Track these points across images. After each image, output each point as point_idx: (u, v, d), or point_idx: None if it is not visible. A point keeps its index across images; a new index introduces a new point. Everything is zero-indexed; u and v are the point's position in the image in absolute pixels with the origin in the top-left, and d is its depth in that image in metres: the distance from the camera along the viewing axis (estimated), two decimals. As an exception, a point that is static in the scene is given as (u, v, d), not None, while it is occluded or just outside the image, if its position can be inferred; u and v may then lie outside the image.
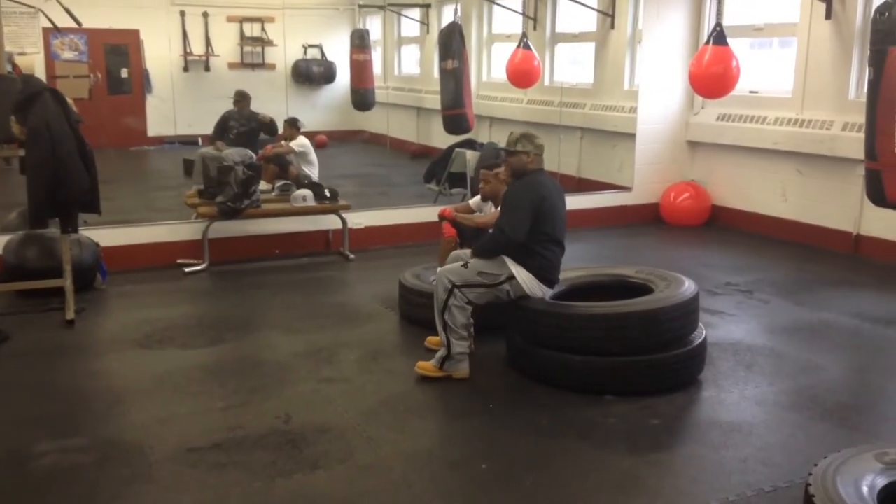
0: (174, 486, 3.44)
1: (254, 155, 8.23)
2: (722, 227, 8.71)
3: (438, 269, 5.44)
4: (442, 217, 5.44)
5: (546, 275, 4.57)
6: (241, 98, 9.27)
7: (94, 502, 3.31)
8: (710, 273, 6.83)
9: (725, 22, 8.34)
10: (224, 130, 9.08)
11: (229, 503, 3.30)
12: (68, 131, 5.34)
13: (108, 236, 6.63)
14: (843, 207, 7.51)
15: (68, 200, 5.40)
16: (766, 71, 8.64)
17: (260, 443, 3.79)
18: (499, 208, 5.38)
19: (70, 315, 5.50)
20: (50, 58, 13.20)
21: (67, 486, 3.43)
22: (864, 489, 2.92)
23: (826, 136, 7.52)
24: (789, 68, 8.02)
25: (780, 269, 7.05)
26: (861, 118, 6.01)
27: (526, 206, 4.49)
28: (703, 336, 4.60)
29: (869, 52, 5.67)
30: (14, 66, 8.16)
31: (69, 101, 5.54)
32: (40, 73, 11.59)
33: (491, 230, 4.80)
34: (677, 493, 3.40)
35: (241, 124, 9.10)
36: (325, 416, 4.11)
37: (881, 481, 2.98)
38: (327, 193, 7.31)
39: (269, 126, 9.11)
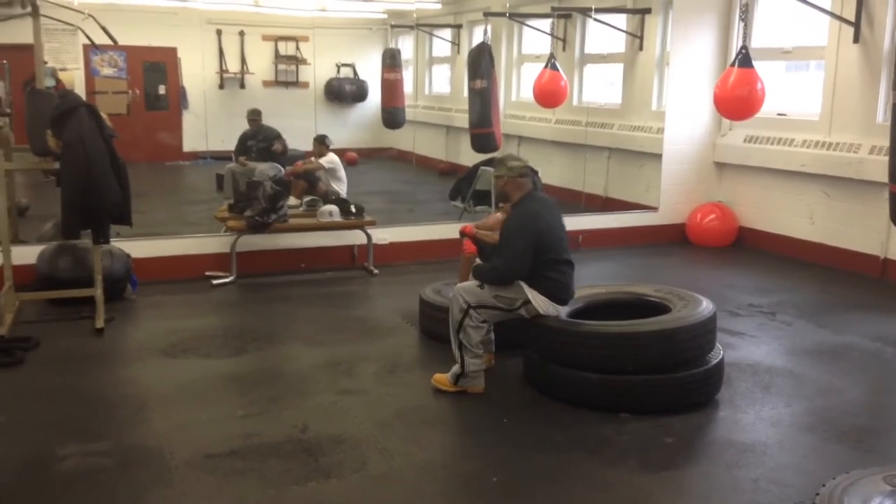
0: (192, 490, 3.53)
1: (282, 169, 8.39)
2: (748, 248, 8.68)
3: (457, 285, 5.53)
4: (462, 234, 5.51)
5: (559, 294, 4.60)
6: (256, 116, 9.75)
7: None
8: (733, 294, 6.81)
9: (755, 44, 8.40)
10: (245, 150, 9.45)
11: (244, 509, 3.38)
12: (102, 146, 5.50)
13: (139, 248, 6.79)
14: (871, 231, 7.46)
15: (100, 212, 5.55)
16: (796, 93, 8.63)
17: (276, 451, 3.87)
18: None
19: (99, 324, 5.64)
20: (90, 73, 13.56)
21: (88, 488, 3.53)
22: (872, 511, 2.92)
23: (854, 160, 7.49)
24: (818, 91, 8.01)
25: (805, 291, 7.02)
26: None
27: (522, 243, 4.49)
28: (721, 356, 4.61)
29: (894, 76, 5.66)
30: (57, 80, 8.40)
31: (103, 116, 5.72)
32: (80, 88, 11.90)
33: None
34: (686, 511, 3.42)
35: (259, 141, 9.51)
36: (342, 426, 4.19)
37: (889, 503, 2.98)
38: (353, 209, 7.42)
39: (282, 153, 9.57)
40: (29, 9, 6.20)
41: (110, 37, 6.07)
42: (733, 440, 4.09)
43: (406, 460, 3.83)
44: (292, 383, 4.80)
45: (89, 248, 5.91)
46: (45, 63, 9.91)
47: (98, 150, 5.45)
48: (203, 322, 5.96)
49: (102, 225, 5.66)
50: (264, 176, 7.40)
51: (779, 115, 8.43)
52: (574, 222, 8.68)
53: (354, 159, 12.75)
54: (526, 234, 4.52)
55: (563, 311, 4.64)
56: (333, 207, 7.44)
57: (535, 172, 7.04)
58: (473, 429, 4.26)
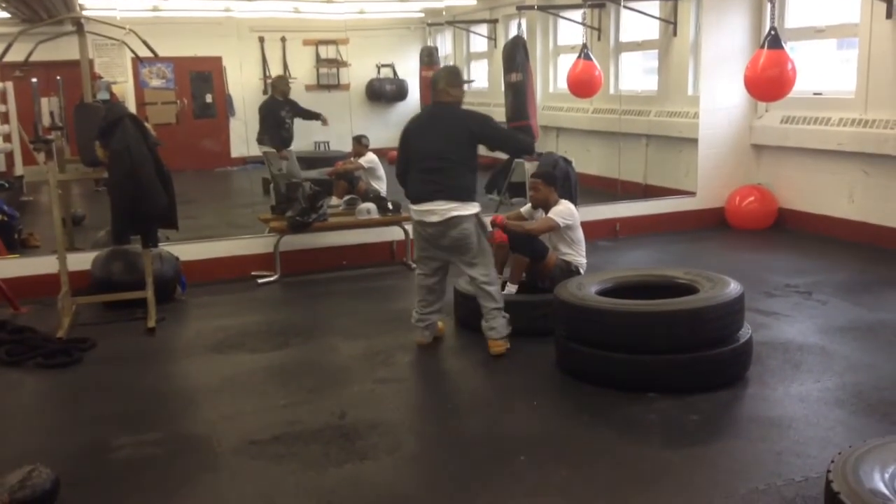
0: (237, 474, 3.75)
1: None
2: (788, 230, 8.65)
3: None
4: (494, 224, 5.66)
5: (411, 197, 5.18)
6: (284, 83, 10.24)
7: (164, 488, 3.63)
8: (770, 276, 6.83)
9: (787, 24, 8.37)
10: (277, 126, 9.65)
11: (285, 490, 3.58)
12: (147, 154, 5.78)
13: (187, 251, 7.08)
14: (911, 207, 7.40)
15: (147, 217, 5.83)
16: (833, 72, 8.56)
17: (315, 436, 4.07)
18: (547, 214, 5.59)
19: (151, 324, 5.92)
20: (139, 86, 14.02)
21: (141, 474, 3.78)
22: (886, 476, 2.97)
23: (891, 136, 7.43)
24: (852, 69, 7.95)
25: (843, 270, 7.00)
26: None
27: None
28: (749, 335, 4.67)
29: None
30: (112, 94, 8.77)
31: (147, 125, 6.01)
32: (130, 100, 12.35)
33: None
34: (708, 483, 3.52)
35: (288, 113, 9.80)
36: (378, 412, 4.38)
37: (904, 470, 3.04)
38: (390, 206, 7.61)
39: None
40: (75, 27, 6.50)
41: (151, 50, 6.34)
42: (759, 416, 4.17)
43: (438, 442, 4.00)
44: (332, 374, 5.01)
45: (140, 253, 6.20)
46: (100, 77, 10.37)
47: (143, 157, 5.72)
48: (248, 319, 6.21)
49: (150, 229, 5.95)
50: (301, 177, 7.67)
51: (815, 94, 8.37)
52: (611, 210, 8.80)
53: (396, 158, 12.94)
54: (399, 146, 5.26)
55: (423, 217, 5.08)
56: (371, 205, 7.64)
57: (569, 163, 7.18)
58: (504, 411, 4.40)
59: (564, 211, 5.58)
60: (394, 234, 7.74)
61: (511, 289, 5.58)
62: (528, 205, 5.92)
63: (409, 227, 7.64)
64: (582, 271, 5.61)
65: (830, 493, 2.88)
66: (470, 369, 5.12)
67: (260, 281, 7.20)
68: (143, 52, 7.03)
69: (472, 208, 5.09)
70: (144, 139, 5.79)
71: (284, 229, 7.22)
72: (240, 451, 3.96)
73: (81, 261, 6.62)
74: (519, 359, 5.04)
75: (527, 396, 4.53)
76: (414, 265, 7.58)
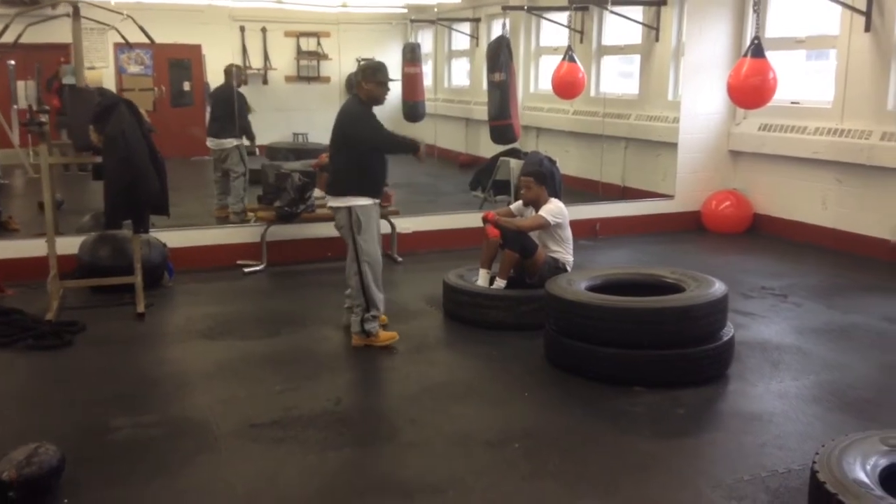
0: (238, 456, 3.83)
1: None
2: (763, 234, 8.88)
3: (480, 269, 5.82)
4: (485, 220, 5.78)
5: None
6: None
7: (167, 468, 3.70)
8: (746, 278, 7.03)
9: (768, 34, 8.58)
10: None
11: (287, 471, 3.67)
12: (141, 139, 5.80)
13: (174, 238, 7.11)
14: (882, 216, 7.64)
15: (140, 203, 5.85)
16: (811, 82, 8.81)
17: (313, 421, 4.16)
18: (538, 212, 5.72)
19: (141, 309, 5.95)
20: (118, 71, 13.91)
21: (143, 455, 3.83)
22: (868, 467, 3.14)
23: (865, 146, 7.67)
24: (830, 79, 8.19)
25: (817, 275, 7.22)
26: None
27: None
28: (732, 334, 4.84)
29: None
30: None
31: (142, 112, 6.03)
32: (109, 86, 12.25)
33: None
34: (695, 473, 3.67)
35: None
36: (372, 400, 4.48)
37: (884, 462, 3.19)
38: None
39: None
40: (66, 9, 6.50)
41: (148, 36, 6.36)
42: (742, 410, 4.34)
43: (434, 429, 4.11)
44: (325, 362, 5.09)
45: (128, 238, 6.22)
46: (63, 62, 10.23)
47: (138, 143, 5.75)
48: (237, 307, 6.26)
49: (142, 215, 5.96)
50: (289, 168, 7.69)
51: (792, 103, 8.61)
52: (591, 211, 8.96)
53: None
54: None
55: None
56: (359, 198, 7.70)
57: (554, 163, 7.31)
58: (496, 402, 4.51)
59: (555, 209, 5.72)
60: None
61: (500, 283, 5.70)
62: (518, 202, 6.04)
63: (395, 220, 7.75)
64: (569, 268, 5.75)
65: (816, 483, 3.03)
66: (460, 360, 5.24)
67: (246, 270, 7.24)
68: (134, 39, 7.05)
69: (345, 201, 5.22)
70: (139, 125, 5.81)
71: (272, 219, 7.27)
72: (239, 434, 4.03)
73: (66, 245, 6.60)
74: (508, 352, 5.17)
75: (517, 387, 4.66)
76: (399, 258, 7.69)
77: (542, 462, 3.75)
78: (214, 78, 14.04)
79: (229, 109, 9.41)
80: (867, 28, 7.64)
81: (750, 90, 7.38)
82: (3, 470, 3.32)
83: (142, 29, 6.46)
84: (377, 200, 5.36)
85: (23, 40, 7.04)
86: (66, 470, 3.51)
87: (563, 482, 3.58)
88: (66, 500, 3.40)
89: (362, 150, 5.27)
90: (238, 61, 14.13)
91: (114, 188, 5.70)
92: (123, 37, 7.00)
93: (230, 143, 9.24)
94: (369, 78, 5.30)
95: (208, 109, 9.72)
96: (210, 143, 9.47)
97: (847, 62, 7.91)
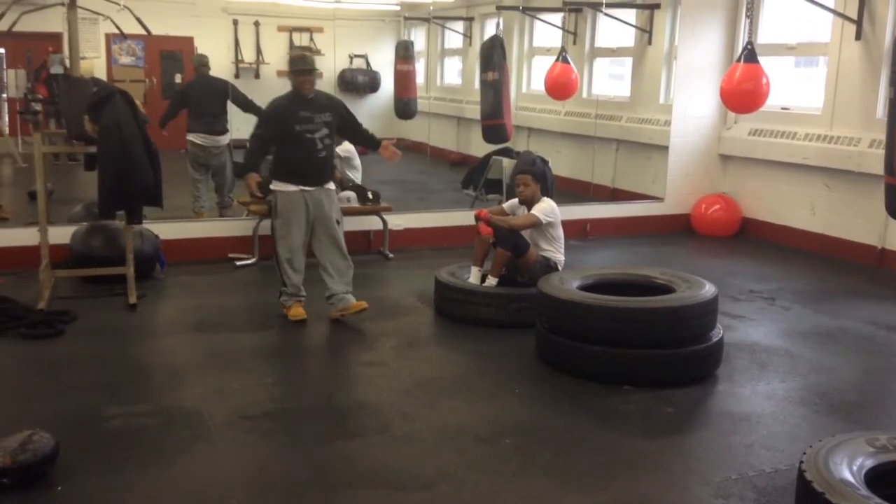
0: (231, 446, 3.85)
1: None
2: (752, 238, 8.96)
3: (472, 267, 5.86)
4: (478, 218, 5.82)
5: None
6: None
7: (162, 457, 3.71)
8: (735, 280, 7.10)
9: (760, 40, 8.65)
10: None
11: (280, 462, 3.69)
12: (136, 131, 5.80)
13: (166, 230, 7.10)
14: (869, 222, 7.73)
15: (134, 194, 5.86)
16: (801, 88, 8.89)
17: (306, 414, 4.19)
18: (531, 211, 5.76)
19: (132, 299, 5.95)
20: (110, 62, 13.85)
21: (137, 443, 3.85)
22: (854, 468, 3.20)
23: (854, 153, 7.76)
24: (820, 86, 8.27)
25: (804, 279, 7.30)
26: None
27: None
28: (721, 335, 4.90)
29: (890, 73, 5.93)
30: (65, 68, 8.61)
31: (137, 103, 6.02)
32: (101, 76, 12.19)
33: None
34: (684, 471, 3.72)
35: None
36: (364, 394, 4.50)
37: (870, 462, 3.25)
38: (370, 195, 7.71)
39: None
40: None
41: (145, 28, 6.36)
42: (730, 411, 4.39)
43: (425, 423, 4.14)
44: (316, 356, 5.12)
45: (121, 229, 6.22)
46: (52, 51, 10.11)
47: (133, 134, 5.75)
48: (229, 300, 6.27)
49: (136, 206, 5.97)
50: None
51: (782, 108, 8.69)
52: (582, 211, 9.02)
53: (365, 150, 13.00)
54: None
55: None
56: (351, 193, 7.73)
57: (546, 163, 7.35)
58: (487, 397, 4.55)
59: (547, 208, 5.76)
60: (372, 223, 7.84)
61: (491, 281, 5.74)
62: (511, 200, 6.08)
63: (387, 217, 7.78)
64: (560, 268, 5.79)
65: (803, 482, 3.09)
66: (452, 357, 5.28)
67: (238, 263, 7.24)
68: (129, 30, 7.02)
69: (274, 186, 5.70)
70: (134, 117, 5.81)
71: (264, 213, 7.26)
72: (232, 425, 4.05)
73: (57, 234, 6.57)
74: (500, 348, 5.21)
75: (508, 384, 4.69)
76: (391, 255, 7.71)
77: (532, 457, 3.79)
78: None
79: (221, 103, 8.93)
80: (858, 36, 7.73)
81: (743, 95, 7.45)
82: (-3, 456, 3.33)
83: (139, 20, 6.46)
84: (301, 188, 5.64)
85: (14, 28, 7.01)
86: (60, 457, 3.52)
87: (553, 478, 3.62)
88: (59, 488, 3.40)
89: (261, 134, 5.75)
90: (230, 55, 14.13)
91: (108, 179, 5.69)
92: (119, 27, 6.97)
93: (225, 139, 8.87)
94: (290, 67, 5.69)
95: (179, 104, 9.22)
96: (201, 139, 8.83)
97: (837, 69, 7.99)
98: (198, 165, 8.78)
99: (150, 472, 3.57)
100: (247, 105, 8.48)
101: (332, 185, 5.91)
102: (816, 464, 3.15)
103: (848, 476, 3.11)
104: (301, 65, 5.60)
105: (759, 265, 7.83)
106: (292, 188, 5.60)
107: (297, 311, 5.71)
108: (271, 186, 5.72)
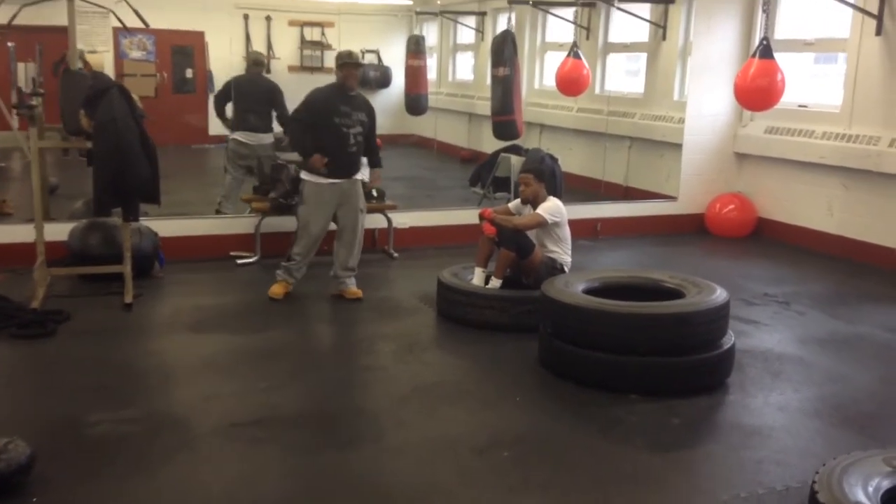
0: (217, 457, 3.70)
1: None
2: (767, 239, 8.73)
3: (476, 268, 5.69)
4: (482, 217, 5.65)
5: None
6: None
7: (142, 467, 3.56)
8: (749, 284, 6.88)
9: (778, 36, 8.43)
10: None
11: (266, 475, 3.53)
12: (133, 126, 5.66)
13: (166, 227, 6.97)
14: (889, 223, 7.49)
15: (130, 190, 5.72)
16: (819, 85, 8.65)
17: (297, 422, 4.04)
18: (536, 210, 5.59)
19: (128, 299, 5.82)
20: (118, 56, 13.76)
21: (118, 451, 3.70)
22: (870, 489, 3.01)
23: (873, 152, 7.52)
24: (838, 83, 8.04)
25: (821, 282, 7.08)
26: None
27: None
28: (732, 342, 4.71)
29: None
30: (85, 63, 8.46)
31: (134, 97, 5.89)
32: (109, 70, 12.11)
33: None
34: (690, 488, 3.54)
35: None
36: (360, 400, 4.35)
37: (886, 483, 3.06)
38: (374, 193, 7.54)
39: None
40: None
41: (142, 20, 6.22)
42: (741, 423, 4.20)
43: (421, 433, 3.98)
44: (313, 359, 4.97)
45: (119, 226, 6.09)
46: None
47: (129, 129, 5.61)
48: (227, 300, 6.13)
49: (132, 203, 5.83)
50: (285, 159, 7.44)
51: (800, 106, 8.45)
52: (593, 210, 8.82)
53: (378, 145, 12.87)
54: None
55: None
56: (357, 191, 7.57)
57: (555, 160, 7.19)
58: (487, 405, 4.38)
59: (552, 208, 5.58)
60: (376, 221, 7.67)
61: (495, 283, 5.57)
62: (516, 200, 5.91)
63: (391, 215, 7.62)
64: (567, 269, 5.61)
65: (815, 504, 2.91)
66: (452, 361, 5.11)
67: (239, 262, 7.10)
68: (131, 23, 6.88)
69: (304, 175, 6.05)
70: (131, 112, 5.67)
71: (267, 210, 7.14)
72: (219, 433, 3.90)
73: (56, 231, 6.47)
74: (502, 353, 5.04)
75: (509, 392, 4.52)
76: (395, 254, 7.56)
77: (530, 472, 3.62)
78: (217, 66, 13.97)
79: (268, 105, 8.26)
80: (878, 32, 7.48)
81: (757, 92, 7.22)
82: (-31, 466, 3.20)
83: (136, 12, 6.30)
84: (330, 180, 5.89)
85: (24, 22, 6.88)
86: (38, 466, 3.38)
87: (551, 495, 3.45)
88: (34, 499, 3.27)
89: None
90: (241, 50, 14.03)
91: (103, 175, 5.56)
92: (121, 21, 6.82)
93: (269, 138, 8.29)
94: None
95: (223, 99, 8.76)
96: (245, 136, 8.21)
97: (857, 66, 7.74)
98: (237, 165, 8.33)
99: (131, 483, 3.43)
100: (283, 119, 8.10)
101: (359, 176, 6.17)
102: (830, 485, 2.97)
103: (863, 498, 2.93)
104: (348, 59, 5.90)
105: (774, 267, 7.61)
106: (322, 180, 5.88)
107: (277, 290, 6.01)
108: (301, 175, 6.05)
